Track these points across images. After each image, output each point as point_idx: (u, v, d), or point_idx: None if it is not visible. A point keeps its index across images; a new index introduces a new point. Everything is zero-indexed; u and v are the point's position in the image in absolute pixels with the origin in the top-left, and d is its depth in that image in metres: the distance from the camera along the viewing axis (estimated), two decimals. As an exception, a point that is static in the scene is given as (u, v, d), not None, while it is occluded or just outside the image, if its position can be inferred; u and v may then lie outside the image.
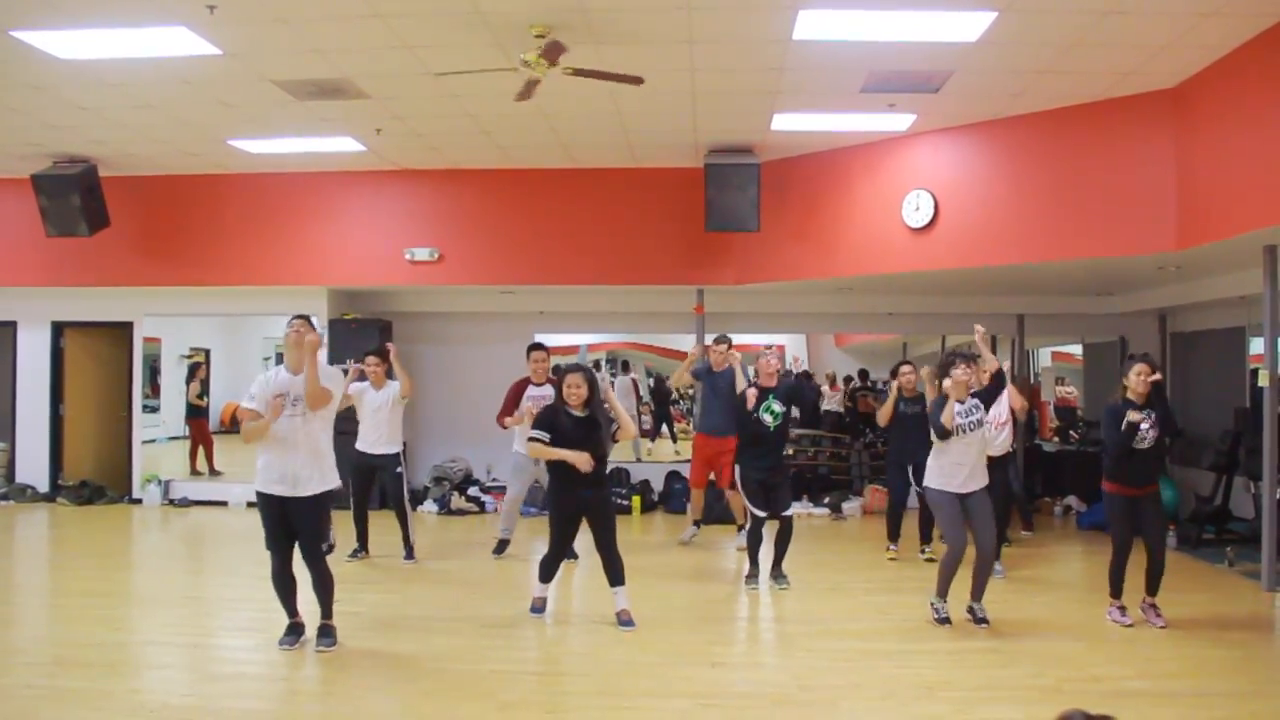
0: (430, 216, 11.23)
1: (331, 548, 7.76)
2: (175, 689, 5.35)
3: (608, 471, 6.70)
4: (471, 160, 10.71)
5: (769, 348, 8.28)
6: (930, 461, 6.71)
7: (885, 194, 9.49)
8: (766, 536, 7.72)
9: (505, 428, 8.53)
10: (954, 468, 6.52)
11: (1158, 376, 6.47)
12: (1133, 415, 6.34)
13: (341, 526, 8.36)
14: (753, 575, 7.80)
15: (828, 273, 10.15)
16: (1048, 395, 14.48)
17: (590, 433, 6.35)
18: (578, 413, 6.36)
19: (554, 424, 6.36)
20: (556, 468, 6.45)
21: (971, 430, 6.51)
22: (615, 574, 6.55)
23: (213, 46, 7.07)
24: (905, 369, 8.90)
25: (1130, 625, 6.50)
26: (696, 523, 9.72)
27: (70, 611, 6.98)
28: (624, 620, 6.46)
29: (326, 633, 5.95)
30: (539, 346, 8.76)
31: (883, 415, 8.89)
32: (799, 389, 8.13)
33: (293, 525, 5.81)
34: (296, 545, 5.86)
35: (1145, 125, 7.91)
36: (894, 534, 8.92)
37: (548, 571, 6.72)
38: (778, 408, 7.68)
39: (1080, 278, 10.37)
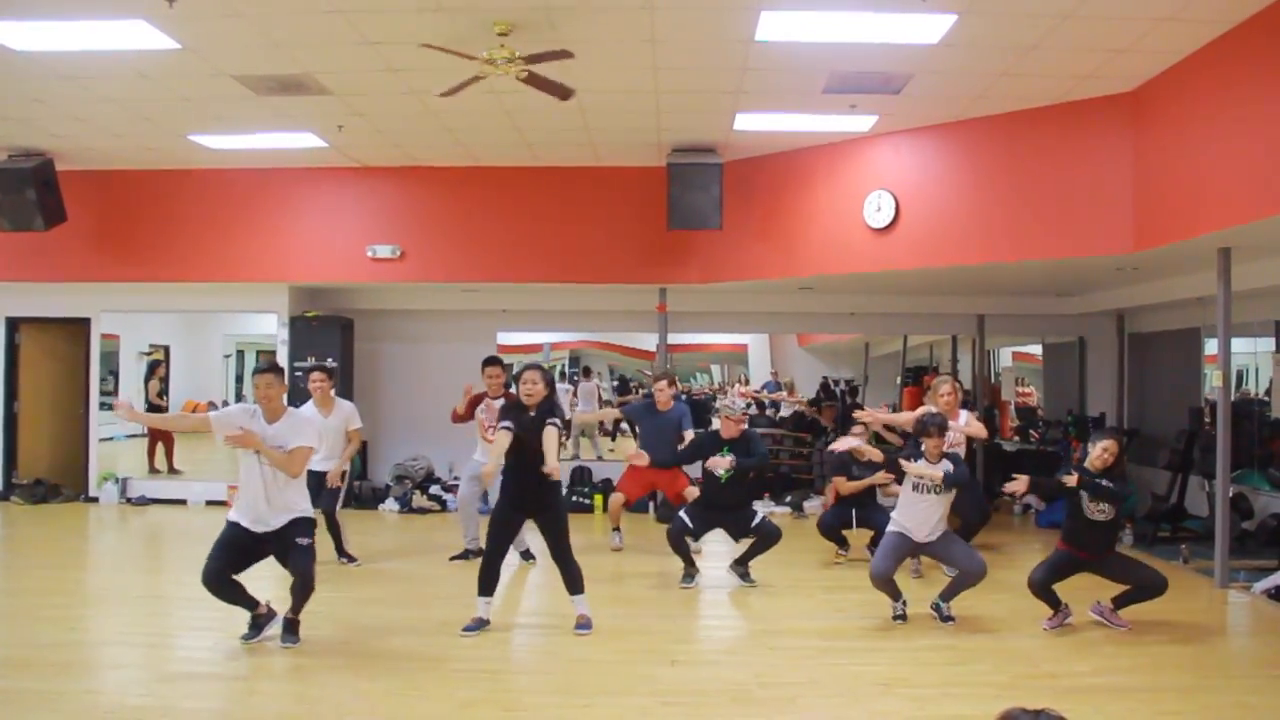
0: (392, 214, 11.17)
1: None
2: (131, 689, 5.28)
3: (568, 469, 6.60)
4: (434, 158, 10.67)
5: (733, 387, 8.14)
6: (899, 508, 6.75)
7: (847, 194, 9.55)
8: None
9: (455, 420, 8.75)
10: (918, 525, 6.60)
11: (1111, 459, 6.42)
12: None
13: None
14: (689, 573, 7.79)
15: (790, 272, 10.21)
16: (1008, 395, 14.63)
17: (539, 429, 6.13)
18: (531, 412, 6.19)
19: (518, 419, 6.19)
20: (507, 483, 6.35)
21: (935, 492, 6.53)
22: (573, 583, 6.38)
23: (172, 40, 6.99)
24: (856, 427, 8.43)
25: (1054, 627, 6.45)
26: (617, 528, 9.48)
27: (23, 611, 6.86)
28: (580, 624, 6.33)
29: (291, 629, 5.95)
30: (494, 361, 8.68)
31: (845, 487, 8.57)
32: (753, 441, 7.92)
33: (267, 552, 5.93)
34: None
35: (1103, 128, 8.01)
36: (841, 544, 8.86)
37: (487, 583, 6.35)
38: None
39: (1040, 278, 10.49)
